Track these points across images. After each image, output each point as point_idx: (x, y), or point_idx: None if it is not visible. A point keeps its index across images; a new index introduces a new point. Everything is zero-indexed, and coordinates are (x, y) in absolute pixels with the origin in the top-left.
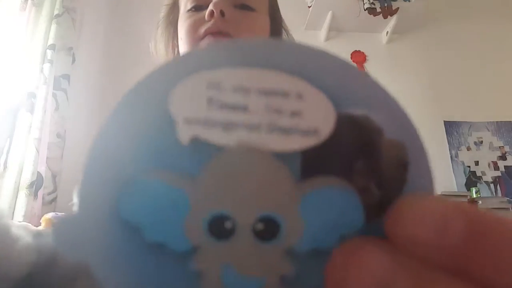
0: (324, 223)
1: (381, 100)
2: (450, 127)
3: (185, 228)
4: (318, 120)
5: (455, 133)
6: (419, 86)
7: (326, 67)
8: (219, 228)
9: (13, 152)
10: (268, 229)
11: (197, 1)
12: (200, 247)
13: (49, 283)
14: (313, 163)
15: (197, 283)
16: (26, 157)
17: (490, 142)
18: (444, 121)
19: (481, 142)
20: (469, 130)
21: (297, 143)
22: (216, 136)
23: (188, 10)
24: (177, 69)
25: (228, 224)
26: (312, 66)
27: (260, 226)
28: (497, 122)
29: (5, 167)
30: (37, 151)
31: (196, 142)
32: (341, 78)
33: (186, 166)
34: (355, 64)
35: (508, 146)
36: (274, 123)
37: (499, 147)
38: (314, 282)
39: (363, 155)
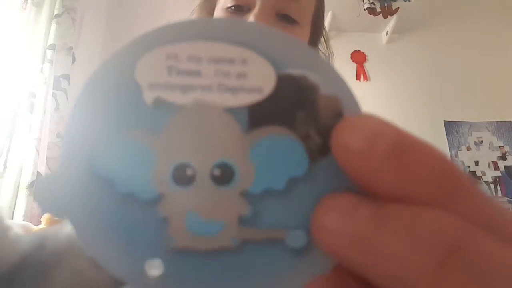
0: (273, 166)
1: (316, 62)
2: (450, 127)
3: (152, 178)
4: (261, 79)
5: (455, 133)
6: (419, 86)
7: (267, 38)
8: (182, 175)
9: (13, 152)
10: (224, 174)
11: (237, 1)
12: (165, 195)
13: (39, 263)
14: (259, 116)
15: (164, 228)
16: (26, 157)
17: (490, 142)
18: (444, 121)
19: (481, 142)
20: (469, 130)
21: (244, 99)
22: (176, 97)
23: (227, 8)
24: (141, 45)
25: (189, 171)
26: (255, 38)
27: (217, 171)
28: (497, 122)
29: (5, 167)
30: (37, 151)
31: (159, 103)
32: (280, 46)
33: (152, 125)
34: (289, 35)
35: (508, 146)
36: (223, 84)
37: (499, 147)
38: (269, 221)
39: (303, 108)
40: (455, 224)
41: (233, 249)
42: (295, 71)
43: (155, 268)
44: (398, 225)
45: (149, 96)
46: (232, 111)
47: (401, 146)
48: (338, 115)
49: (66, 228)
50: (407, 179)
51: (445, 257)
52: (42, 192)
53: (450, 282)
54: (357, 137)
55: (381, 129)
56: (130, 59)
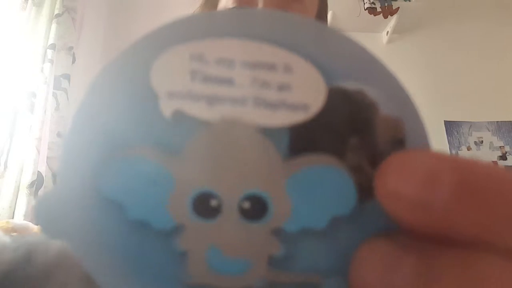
0: (314, 202)
1: (377, 74)
2: (450, 127)
3: (169, 206)
4: (308, 94)
5: (455, 133)
6: (419, 86)
7: (317, 38)
8: (204, 206)
9: (14, 152)
10: (255, 208)
11: (239, 2)
12: (184, 226)
13: (26, 278)
14: (302, 139)
15: (182, 264)
16: (27, 157)
17: (491, 142)
18: (444, 121)
19: (482, 142)
20: (469, 130)
21: (285, 118)
22: (200, 110)
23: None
24: (159, 40)
25: (213, 203)
26: (302, 37)
27: (246, 204)
28: (497, 122)
29: (5, 166)
30: (38, 150)
31: (180, 117)
32: (333, 49)
33: (170, 142)
34: (349, 35)
35: (508, 146)
36: (261, 97)
37: (500, 147)
38: (304, 264)
39: (356, 132)
40: None
41: None
42: (350, 84)
43: None
44: (454, 281)
45: (167, 107)
46: (269, 132)
47: (470, 182)
48: (399, 142)
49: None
50: (487, 223)
51: None
52: (41, 211)
53: None
54: (409, 181)
55: (438, 165)
56: (144, 59)
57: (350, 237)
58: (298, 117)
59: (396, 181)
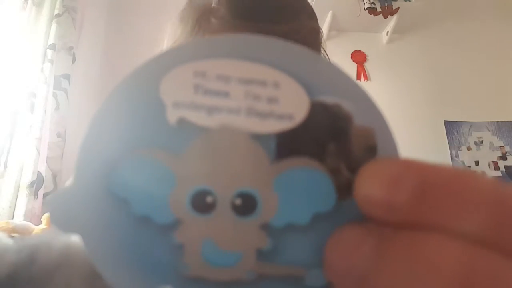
0: (298, 200)
1: (351, 90)
2: (450, 127)
3: (170, 202)
4: (293, 106)
5: (455, 133)
6: (419, 86)
7: (302, 60)
8: (201, 202)
9: (13, 152)
10: (245, 205)
11: None
12: (182, 221)
13: (29, 279)
14: (287, 145)
15: (179, 256)
16: (26, 157)
17: (491, 142)
18: (444, 121)
19: (482, 142)
20: (469, 130)
21: (273, 126)
22: (201, 118)
23: None
24: (168, 60)
25: (209, 199)
26: (289, 59)
27: (238, 201)
28: (497, 122)
29: (5, 166)
30: (37, 150)
31: (183, 124)
32: (315, 70)
33: (173, 145)
34: (327, 58)
35: (508, 146)
36: (252, 108)
37: (500, 147)
38: (289, 257)
39: (334, 139)
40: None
41: (248, 283)
42: (328, 99)
43: None
44: (401, 258)
45: (173, 115)
46: (259, 138)
47: (428, 184)
48: (371, 149)
49: (61, 239)
50: (443, 215)
51: None
52: (55, 207)
53: None
54: (377, 187)
55: (400, 172)
56: (156, 74)
57: (330, 232)
58: (284, 126)
59: (367, 186)
